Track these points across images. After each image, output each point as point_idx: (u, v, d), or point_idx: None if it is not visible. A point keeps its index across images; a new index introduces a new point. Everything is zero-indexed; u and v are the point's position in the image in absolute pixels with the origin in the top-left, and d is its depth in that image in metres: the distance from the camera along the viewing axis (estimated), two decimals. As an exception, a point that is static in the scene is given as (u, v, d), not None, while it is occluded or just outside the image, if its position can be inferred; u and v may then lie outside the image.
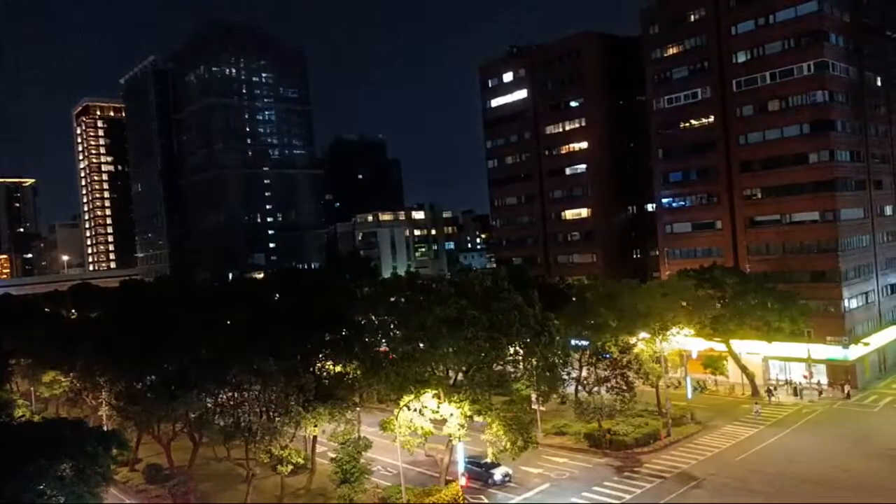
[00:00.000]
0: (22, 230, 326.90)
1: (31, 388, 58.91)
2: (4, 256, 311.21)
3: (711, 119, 74.31)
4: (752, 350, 63.88)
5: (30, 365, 58.67)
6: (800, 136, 67.37)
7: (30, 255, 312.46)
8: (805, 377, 62.90)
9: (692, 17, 75.84)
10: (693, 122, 76.34)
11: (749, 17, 70.51)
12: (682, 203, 77.43)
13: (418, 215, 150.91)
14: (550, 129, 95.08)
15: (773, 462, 44.95)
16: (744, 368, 63.41)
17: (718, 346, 63.12)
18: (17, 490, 27.51)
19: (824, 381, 62.76)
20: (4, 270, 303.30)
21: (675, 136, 77.51)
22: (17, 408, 52.42)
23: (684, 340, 58.57)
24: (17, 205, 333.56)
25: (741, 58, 71.23)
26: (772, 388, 62.67)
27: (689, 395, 60.05)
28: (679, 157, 77.39)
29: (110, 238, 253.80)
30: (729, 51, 71.93)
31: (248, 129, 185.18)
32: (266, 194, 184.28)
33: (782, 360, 65.35)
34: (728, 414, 57.27)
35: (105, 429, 42.58)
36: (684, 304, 58.03)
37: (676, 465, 45.55)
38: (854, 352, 62.41)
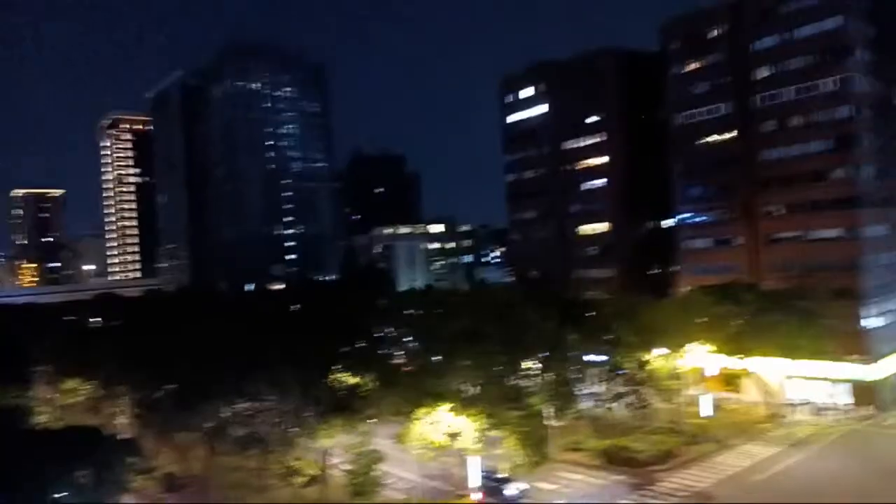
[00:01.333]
0: (49, 239, 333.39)
1: (52, 395, 59.80)
2: (32, 265, 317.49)
3: (732, 135, 73.79)
4: (771, 368, 62.85)
5: (52, 372, 59.68)
6: (822, 152, 66.61)
7: (56, 265, 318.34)
8: (829, 397, 61.69)
9: (713, 33, 75.61)
10: (713, 137, 75.86)
11: (772, 32, 70.11)
12: (702, 219, 76.80)
13: (436, 229, 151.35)
14: (570, 145, 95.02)
15: (793, 484, 44.07)
16: (763, 387, 62.39)
17: (737, 364, 62.21)
18: (35, 496, 27.96)
19: (845, 401, 61.50)
20: (31, 279, 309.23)
21: (696, 152, 77.06)
22: (37, 414, 53.27)
23: (703, 357, 57.86)
24: (45, 214, 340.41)
25: (763, 73, 70.75)
26: (792, 406, 61.55)
27: (707, 413, 59.21)
28: (699, 173, 76.88)
29: (135, 248, 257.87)
30: (750, 66, 71.53)
31: (269, 143, 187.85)
32: (286, 207, 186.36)
33: (803, 378, 64.18)
34: (746, 433, 56.28)
35: (123, 437, 43.09)
36: (703, 320, 57.40)
37: (693, 485, 44.84)
38: (876, 371, 61.14)
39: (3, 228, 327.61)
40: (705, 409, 57.58)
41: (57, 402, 58.91)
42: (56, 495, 29.48)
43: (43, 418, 55.54)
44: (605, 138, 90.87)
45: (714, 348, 58.31)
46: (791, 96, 68.59)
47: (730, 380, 64.19)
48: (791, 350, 58.62)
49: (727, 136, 74.33)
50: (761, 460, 49.37)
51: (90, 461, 31.31)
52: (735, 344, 59.26)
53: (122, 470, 33.24)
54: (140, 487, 49.50)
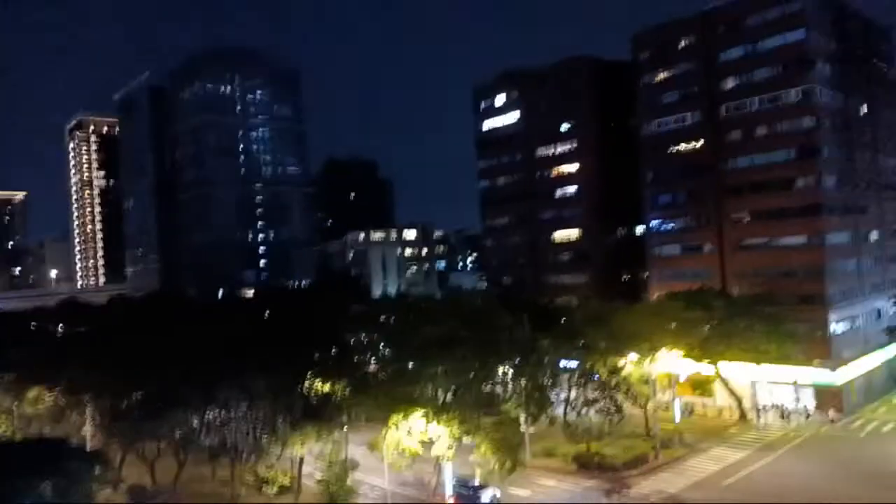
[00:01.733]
0: (11, 244, 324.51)
1: (13, 405, 58.05)
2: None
3: (700, 143, 75.19)
4: (739, 373, 64.04)
5: (13, 381, 57.94)
6: (787, 161, 68.28)
7: (19, 270, 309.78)
8: (796, 401, 63.04)
9: (682, 43, 77.03)
10: (682, 146, 77.19)
11: (737, 43, 71.77)
12: (672, 226, 78.06)
13: (410, 234, 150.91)
14: (543, 152, 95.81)
15: (761, 487, 44.89)
16: (732, 391, 63.53)
17: (707, 369, 63.25)
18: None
19: (811, 405, 62.92)
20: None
21: (665, 160, 78.31)
22: (0, 425, 51.75)
23: (673, 363, 58.68)
24: (8, 218, 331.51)
25: (729, 84, 72.34)
26: (760, 410, 62.75)
27: (678, 418, 60.03)
28: (668, 181, 78.13)
29: (100, 253, 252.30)
30: (718, 76, 73.06)
31: (241, 147, 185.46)
32: (258, 212, 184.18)
33: (770, 383, 65.49)
34: (716, 437, 57.24)
35: (88, 448, 42.05)
36: (673, 325, 58.25)
37: (664, 489, 45.40)
38: (841, 376, 62.69)
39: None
40: (676, 413, 58.46)
41: (20, 412, 57.19)
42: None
43: (4, 429, 53.93)
44: (577, 145, 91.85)
45: (684, 353, 59.21)
46: (756, 106, 70.20)
47: (700, 385, 65.23)
48: (758, 354, 59.89)
49: (696, 144, 75.71)
50: (731, 464, 50.21)
51: (54, 473, 30.49)
52: (705, 349, 60.29)
53: (88, 482, 32.42)
54: (107, 500, 48.43)
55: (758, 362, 60.87)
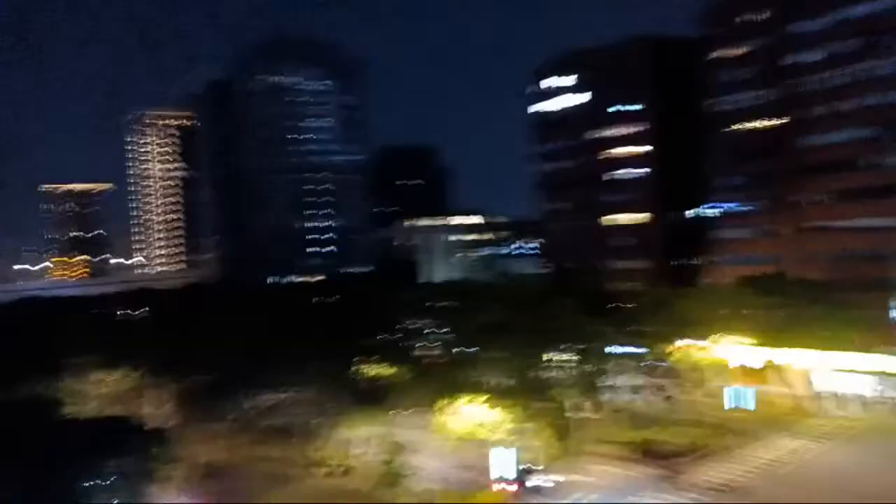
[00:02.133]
0: (96, 234, 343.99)
1: (88, 387, 61.37)
2: (80, 258, 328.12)
3: (771, 121, 71.59)
4: (806, 360, 61.03)
5: (98, 363, 61.13)
6: (867, 139, 64.09)
7: (101, 258, 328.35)
8: (871, 389, 59.52)
9: (754, 18, 73.30)
10: (752, 124, 73.74)
11: (816, 14, 67.47)
12: (738, 208, 74.86)
13: (467, 220, 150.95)
14: (602, 134, 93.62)
15: (821, 475, 43.01)
16: (791, 378, 60.70)
17: (767, 356, 60.64)
18: (67, 488, 28.64)
19: (876, 392, 59.22)
20: (77, 272, 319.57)
21: (733, 140, 75.08)
22: (73, 405, 54.78)
23: (735, 349, 56.54)
24: (89, 209, 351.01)
25: (806, 57, 68.26)
26: (825, 398, 59.77)
27: (739, 405, 57.90)
28: (736, 161, 74.91)
29: (174, 241, 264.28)
30: (792, 51, 69.12)
31: (305, 136, 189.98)
32: (320, 199, 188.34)
33: (837, 370, 62.10)
34: (775, 425, 54.90)
35: (154, 426, 44.06)
36: (736, 311, 56.05)
37: (721, 476, 43.97)
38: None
39: (52, 223, 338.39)
40: (737, 401, 56.36)
41: (91, 392, 60.47)
42: (89, 484, 30.21)
43: (77, 409, 57.13)
44: (638, 127, 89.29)
45: (747, 340, 56.91)
46: (835, 81, 66.12)
47: (762, 372, 62.63)
48: (826, 341, 56.92)
49: (766, 122, 72.16)
50: (789, 451, 48.21)
51: (124, 451, 32.02)
52: (769, 335, 57.77)
53: (155, 459, 33.89)
54: (171, 476, 50.73)
55: (825, 349, 57.88)
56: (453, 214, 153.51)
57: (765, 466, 45.49)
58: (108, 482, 30.09)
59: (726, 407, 55.87)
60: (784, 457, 47.23)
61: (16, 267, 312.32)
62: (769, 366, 61.62)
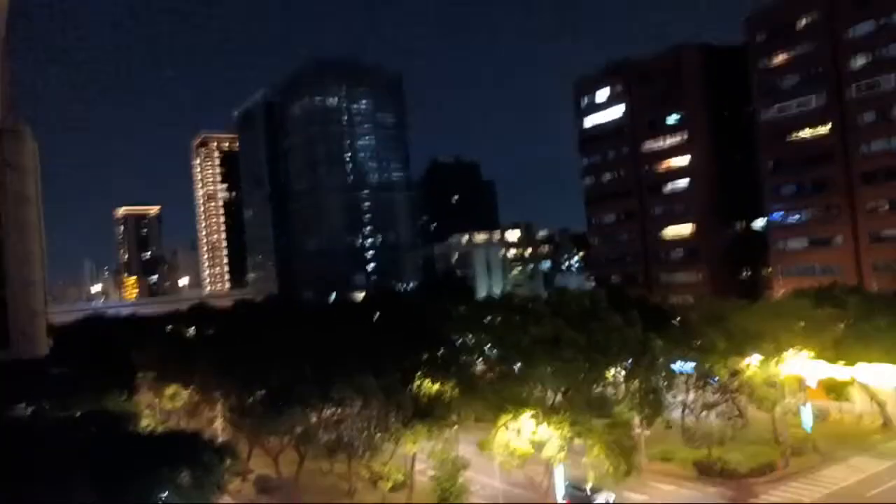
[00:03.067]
0: (148, 254, 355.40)
1: (156, 401, 63.34)
2: (133, 279, 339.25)
3: (827, 127, 69.70)
4: (880, 376, 58.41)
5: (153, 379, 63.22)
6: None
7: (155, 277, 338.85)
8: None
9: (802, 22, 71.83)
10: (806, 131, 71.92)
11: (868, 17, 65.84)
12: (797, 217, 72.82)
13: (513, 235, 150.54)
14: (650, 145, 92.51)
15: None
16: (873, 396, 58.03)
17: (843, 372, 58.18)
18: (140, 496, 29.52)
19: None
20: (133, 291, 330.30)
21: (787, 147, 73.36)
22: (143, 418, 56.55)
23: (803, 364, 54.47)
24: (145, 231, 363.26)
25: (859, 61, 66.52)
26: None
27: (809, 424, 55.64)
28: (791, 169, 73.10)
29: (225, 261, 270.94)
30: (845, 54, 67.41)
31: (348, 155, 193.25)
32: (366, 217, 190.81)
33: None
34: (855, 445, 52.42)
35: (219, 441, 45.07)
36: (801, 325, 54.11)
37: (797, 499, 42.27)
38: None
39: (109, 245, 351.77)
40: (807, 419, 54.16)
41: (161, 407, 62.29)
42: (161, 495, 31.05)
43: (147, 422, 58.90)
44: (686, 137, 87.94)
45: (815, 355, 54.77)
46: (893, 84, 64.05)
47: (835, 388, 60.06)
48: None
49: (822, 129, 70.33)
50: (872, 475, 45.89)
51: (191, 464, 32.81)
52: (838, 350, 55.45)
53: (220, 472, 34.62)
54: (236, 489, 51.74)
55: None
56: (501, 229, 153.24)
57: (847, 490, 43.44)
58: (181, 493, 30.82)
59: (805, 426, 53.76)
60: (869, 480, 45.00)
61: (92, 289, 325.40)
62: (852, 382, 59.04)
